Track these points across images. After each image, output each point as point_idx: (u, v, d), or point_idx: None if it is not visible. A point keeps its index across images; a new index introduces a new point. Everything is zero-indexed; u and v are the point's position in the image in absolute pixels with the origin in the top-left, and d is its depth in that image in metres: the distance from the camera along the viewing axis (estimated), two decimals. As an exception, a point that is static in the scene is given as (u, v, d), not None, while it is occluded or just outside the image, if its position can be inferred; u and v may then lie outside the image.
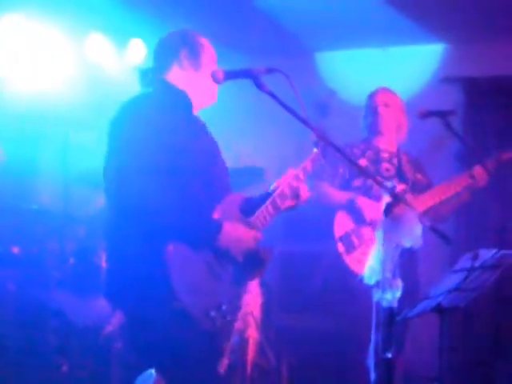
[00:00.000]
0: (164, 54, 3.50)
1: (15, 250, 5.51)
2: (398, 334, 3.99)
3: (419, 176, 4.99)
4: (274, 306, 6.24)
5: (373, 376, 3.57)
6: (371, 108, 4.98)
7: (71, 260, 5.56)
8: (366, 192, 4.78)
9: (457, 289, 3.68)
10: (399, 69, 6.76)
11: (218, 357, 3.27)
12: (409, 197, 4.67)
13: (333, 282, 4.85)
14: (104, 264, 5.15)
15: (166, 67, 3.47)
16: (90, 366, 5.25)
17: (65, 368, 5.21)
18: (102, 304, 4.89)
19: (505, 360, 6.13)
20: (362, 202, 4.72)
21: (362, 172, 3.50)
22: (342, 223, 4.75)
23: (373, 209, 4.64)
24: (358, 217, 4.72)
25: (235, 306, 3.33)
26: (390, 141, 4.98)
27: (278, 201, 3.50)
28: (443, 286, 3.64)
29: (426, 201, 4.76)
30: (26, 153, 6.56)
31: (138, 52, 6.68)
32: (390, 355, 3.39)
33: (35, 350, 5.29)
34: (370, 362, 3.55)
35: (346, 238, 4.70)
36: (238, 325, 5.07)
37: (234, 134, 6.07)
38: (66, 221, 5.79)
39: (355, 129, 5.07)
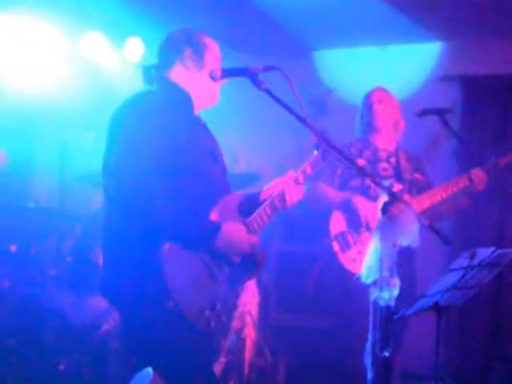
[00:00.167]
0: (168, 53, 3.49)
1: (12, 248, 5.50)
2: (396, 332, 3.98)
3: (418, 175, 4.98)
4: (272, 306, 6.25)
5: (370, 375, 3.56)
6: (367, 106, 4.98)
7: (68, 258, 5.55)
8: (364, 192, 4.77)
9: (454, 287, 3.68)
10: (397, 67, 6.76)
11: (214, 356, 3.27)
12: (406, 197, 4.66)
13: (327, 281, 4.86)
14: (101, 262, 5.15)
15: (169, 65, 3.46)
16: (87, 365, 5.24)
17: (62, 366, 5.21)
18: (99, 302, 4.90)
19: (501, 359, 6.14)
20: (359, 201, 4.71)
21: (361, 172, 3.49)
22: (338, 222, 4.75)
23: (369, 208, 4.64)
24: (353, 216, 4.72)
25: (231, 306, 3.32)
26: (387, 139, 4.97)
27: (277, 202, 3.49)
28: (440, 285, 3.64)
29: (424, 201, 4.75)
30: (24, 151, 6.55)
31: (136, 50, 6.67)
32: (387, 354, 3.39)
33: (32, 349, 5.28)
34: (367, 360, 3.55)
35: (341, 237, 4.70)
36: (235, 324, 5.10)
37: (233, 132, 6.06)
38: (64, 219, 5.79)
39: (353, 127, 5.07)
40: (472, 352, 6.30)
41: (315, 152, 3.58)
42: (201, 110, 3.53)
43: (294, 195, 3.52)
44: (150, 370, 3.32)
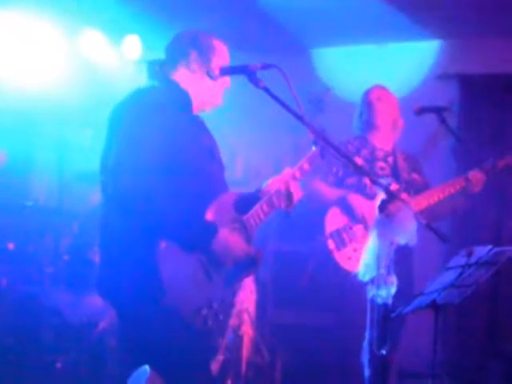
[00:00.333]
0: (173, 53, 3.48)
1: (10, 246, 5.51)
2: (393, 330, 3.99)
3: (415, 175, 4.98)
4: (269, 303, 6.25)
5: (367, 372, 3.57)
6: (366, 104, 4.97)
7: (66, 256, 5.56)
8: (360, 190, 4.77)
9: (451, 285, 3.68)
10: (395, 65, 6.76)
11: (211, 354, 3.27)
12: (403, 196, 4.66)
13: (323, 279, 4.86)
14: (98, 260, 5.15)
15: (174, 66, 3.45)
16: (85, 363, 5.25)
17: (59, 364, 5.21)
18: (96, 300, 4.90)
19: (498, 357, 6.14)
20: (354, 199, 4.71)
21: (359, 170, 3.49)
22: (334, 220, 4.75)
23: (364, 206, 4.65)
24: (349, 214, 4.72)
25: (228, 304, 3.32)
26: (385, 138, 4.97)
27: (274, 199, 3.49)
28: (438, 283, 3.64)
29: (421, 202, 4.75)
30: (22, 150, 6.55)
31: (134, 48, 6.66)
32: (384, 352, 3.39)
33: (29, 347, 5.29)
34: (364, 358, 3.55)
35: (336, 235, 4.70)
36: (232, 321, 5.10)
37: (231, 130, 6.05)
38: (61, 217, 5.79)
39: (350, 125, 5.07)
40: (469, 350, 6.31)
41: (313, 148, 3.57)
42: (201, 111, 3.52)
43: (294, 192, 3.52)
44: (146, 367, 3.32)
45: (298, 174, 3.56)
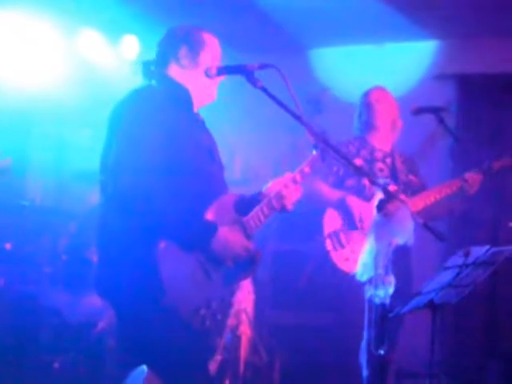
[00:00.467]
0: (164, 50, 3.48)
1: (8, 246, 5.50)
2: (391, 330, 3.99)
3: (412, 177, 4.99)
4: (267, 303, 6.25)
5: (365, 372, 3.57)
6: (366, 104, 4.97)
7: (64, 256, 5.55)
8: (359, 192, 4.77)
9: (449, 285, 3.68)
10: (393, 65, 6.76)
11: (209, 354, 3.26)
12: (401, 197, 4.67)
13: (320, 279, 4.86)
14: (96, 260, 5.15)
15: (165, 63, 3.45)
16: (83, 363, 5.24)
17: (57, 364, 5.21)
18: (94, 300, 4.90)
19: (496, 357, 6.15)
20: (353, 201, 4.72)
21: (359, 172, 3.50)
22: (332, 221, 4.75)
23: (363, 209, 4.65)
24: (347, 216, 4.72)
25: (226, 304, 3.32)
26: (384, 139, 4.98)
27: (274, 202, 3.49)
28: (435, 283, 3.64)
29: (417, 203, 4.76)
30: (20, 149, 6.55)
31: (132, 48, 6.66)
32: (382, 352, 3.39)
33: (27, 347, 5.28)
34: (363, 358, 3.55)
35: (334, 236, 4.70)
36: (230, 322, 5.09)
37: (229, 130, 6.05)
38: (59, 217, 5.79)
39: (348, 125, 5.07)
40: (467, 350, 6.31)
41: (314, 152, 3.57)
42: (198, 107, 3.52)
43: (293, 195, 3.52)
44: (144, 367, 3.33)
45: (298, 178, 3.56)
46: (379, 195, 3.27)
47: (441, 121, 4.65)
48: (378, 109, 4.92)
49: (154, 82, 3.45)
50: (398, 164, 4.95)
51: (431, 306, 3.77)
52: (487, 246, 3.60)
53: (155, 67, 3.47)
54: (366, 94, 5.00)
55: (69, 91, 6.20)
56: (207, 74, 3.35)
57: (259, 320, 5.64)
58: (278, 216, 3.65)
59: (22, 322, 5.36)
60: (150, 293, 3.03)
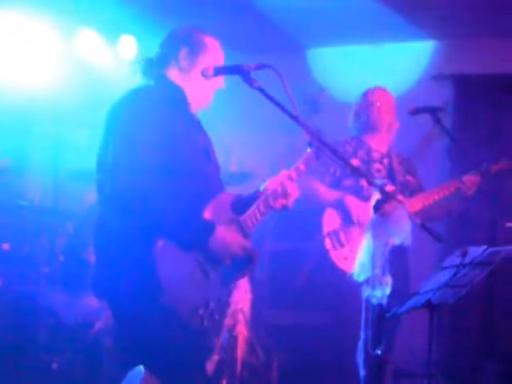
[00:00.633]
0: (165, 51, 3.48)
1: (5, 246, 5.50)
2: (389, 330, 3.99)
3: (409, 178, 5.00)
4: (264, 303, 6.25)
5: (362, 372, 3.57)
6: (366, 104, 4.97)
7: (61, 257, 5.55)
8: (357, 192, 4.78)
9: (446, 285, 3.69)
10: (390, 65, 6.76)
11: (206, 354, 3.26)
12: (399, 197, 4.67)
13: (319, 278, 4.86)
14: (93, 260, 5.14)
15: (165, 64, 3.45)
16: (80, 363, 5.24)
17: (54, 365, 5.20)
18: (92, 301, 4.90)
19: (493, 357, 6.15)
20: (351, 201, 4.72)
21: (355, 171, 3.51)
22: (331, 220, 4.76)
23: (361, 209, 4.66)
24: (345, 216, 4.73)
25: (224, 304, 3.32)
26: (381, 140, 4.98)
27: (271, 200, 3.49)
28: (432, 283, 3.65)
29: (415, 204, 4.77)
30: (17, 149, 6.54)
31: (130, 48, 6.66)
32: (379, 352, 3.40)
33: (25, 347, 5.28)
34: (360, 358, 3.56)
35: (334, 235, 4.70)
36: (227, 321, 5.09)
37: (226, 130, 6.05)
38: (56, 217, 5.78)
39: (346, 125, 5.07)
40: (464, 350, 6.32)
41: (308, 149, 3.57)
42: (195, 110, 3.52)
43: (291, 192, 3.53)
44: (141, 368, 3.33)
45: (294, 175, 3.57)
46: (376, 195, 3.27)
47: (438, 121, 4.65)
48: (380, 109, 4.93)
49: (152, 82, 3.45)
50: (396, 165, 4.96)
51: (429, 306, 3.77)
52: (484, 246, 3.61)
53: (155, 67, 3.47)
54: (367, 94, 5.00)
55: (66, 91, 6.20)
56: (204, 75, 3.35)
57: (256, 320, 5.64)
58: (276, 215, 3.66)
59: (19, 322, 5.36)
60: (148, 292, 3.03)
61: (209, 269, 3.22)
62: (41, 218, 5.77)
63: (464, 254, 3.52)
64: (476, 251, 3.59)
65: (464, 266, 3.60)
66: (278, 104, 3.18)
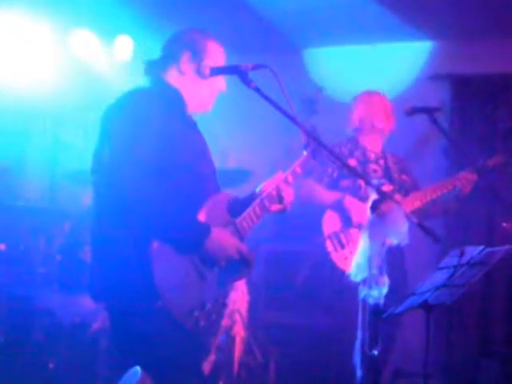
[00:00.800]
0: (167, 53, 3.48)
1: (1, 246, 5.49)
2: (388, 331, 3.99)
3: (404, 177, 5.02)
4: (261, 304, 6.24)
5: (359, 373, 3.56)
6: (362, 107, 5.01)
7: (58, 257, 5.54)
8: (354, 192, 4.79)
9: (443, 285, 3.69)
10: (387, 65, 6.76)
11: (203, 355, 3.25)
12: (397, 197, 4.68)
13: (319, 280, 4.86)
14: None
15: (165, 67, 3.44)
16: (77, 364, 5.23)
17: (51, 365, 5.20)
18: (88, 301, 4.87)
19: (490, 357, 6.15)
20: (350, 202, 4.73)
21: (353, 172, 3.52)
22: (331, 222, 4.76)
23: (360, 209, 4.66)
24: (345, 217, 4.73)
25: (221, 305, 3.32)
26: (375, 141, 5.01)
27: (266, 203, 3.49)
28: (429, 283, 3.64)
29: (414, 202, 4.77)
30: (14, 149, 6.54)
31: (125, 48, 6.66)
32: (376, 352, 3.39)
33: (21, 347, 5.27)
34: (356, 359, 3.55)
35: (334, 237, 4.71)
36: (224, 322, 5.09)
37: (222, 130, 6.05)
38: (53, 217, 5.78)
39: (342, 125, 5.08)
40: (462, 350, 6.31)
41: (304, 152, 3.57)
42: (192, 113, 3.51)
43: (286, 196, 3.53)
44: (138, 368, 3.32)
45: (290, 178, 3.57)
46: (373, 195, 3.27)
47: (434, 121, 4.65)
48: (375, 111, 4.97)
49: (148, 83, 3.45)
50: (391, 164, 4.98)
51: (425, 306, 3.77)
52: (481, 246, 3.61)
53: (155, 68, 3.47)
54: (362, 96, 5.06)
55: (64, 91, 6.21)
56: (200, 75, 3.35)
57: (253, 320, 5.64)
58: (272, 217, 3.66)
59: (16, 322, 5.35)
60: (144, 294, 3.02)
61: (205, 270, 3.22)
62: (37, 218, 5.76)
63: (461, 254, 3.52)
64: (473, 251, 3.59)
65: (461, 266, 3.60)
66: (274, 104, 3.18)
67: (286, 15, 6.29)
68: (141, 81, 3.48)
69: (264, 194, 3.48)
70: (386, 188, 4.66)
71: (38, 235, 5.69)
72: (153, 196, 3.02)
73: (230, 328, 5.17)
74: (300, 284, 5.60)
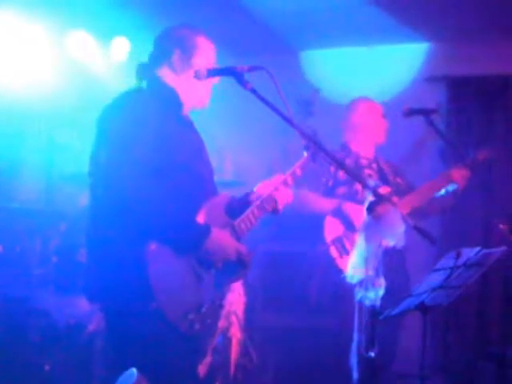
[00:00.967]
0: (157, 52, 3.47)
1: (-2, 248, 5.49)
2: (386, 333, 3.99)
3: (399, 180, 5.04)
4: (258, 306, 6.24)
5: (355, 375, 3.56)
6: (354, 114, 5.05)
7: (54, 258, 5.53)
8: (351, 199, 4.79)
9: (440, 287, 3.69)
10: (384, 67, 6.77)
11: (198, 357, 3.25)
12: (394, 199, 4.68)
13: (327, 285, 4.84)
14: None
15: (158, 66, 3.44)
16: (73, 365, 5.23)
17: (47, 367, 5.19)
18: (84, 302, 4.87)
19: (488, 358, 6.15)
20: (349, 207, 4.73)
21: (351, 174, 3.52)
22: (333, 228, 4.75)
23: (360, 214, 4.65)
24: (346, 222, 4.73)
25: (217, 307, 3.31)
26: (367, 146, 5.04)
27: (266, 205, 3.49)
28: (426, 285, 3.64)
29: (410, 202, 4.77)
30: (10, 151, 6.53)
31: (122, 50, 6.66)
32: (372, 354, 3.39)
33: (17, 349, 5.26)
34: (353, 361, 3.55)
35: (338, 242, 4.70)
36: (221, 324, 5.08)
37: (219, 132, 6.05)
38: (49, 219, 5.77)
39: (339, 127, 5.08)
40: (459, 351, 6.31)
41: (304, 153, 3.57)
42: (190, 110, 3.51)
43: (284, 198, 3.53)
44: (134, 370, 3.31)
45: (289, 180, 3.57)
46: (369, 197, 3.27)
47: (431, 123, 4.65)
48: (365, 118, 5.01)
49: (144, 84, 3.44)
50: (384, 167, 5.00)
51: (422, 307, 3.77)
52: (478, 248, 3.61)
53: (147, 68, 3.46)
54: (354, 104, 5.10)
55: (60, 93, 6.20)
56: (197, 76, 3.35)
57: (250, 322, 5.63)
58: (270, 218, 3.65)
59: (12, 323, 5.34)
60: (139, 296, 3.02)
61: (202, 272, 3.21)
62: (33, 220, 5.75)
63: (458, 256, 3.52)
64: (470, 253, 3.60)
65: (458, 267, 3.60)
66: (271, 106, 3.18)
67: (282, 17, 6.29)
68: (136, 81, 3.48)
69: (264, 196, 3.48)
70: (384, 190, 4.65)
71: (34, 237, 5.68)
72: (152, 196, 3.02)
73: (227, 330, 5.16)
74: (313, 291, 5.59)
